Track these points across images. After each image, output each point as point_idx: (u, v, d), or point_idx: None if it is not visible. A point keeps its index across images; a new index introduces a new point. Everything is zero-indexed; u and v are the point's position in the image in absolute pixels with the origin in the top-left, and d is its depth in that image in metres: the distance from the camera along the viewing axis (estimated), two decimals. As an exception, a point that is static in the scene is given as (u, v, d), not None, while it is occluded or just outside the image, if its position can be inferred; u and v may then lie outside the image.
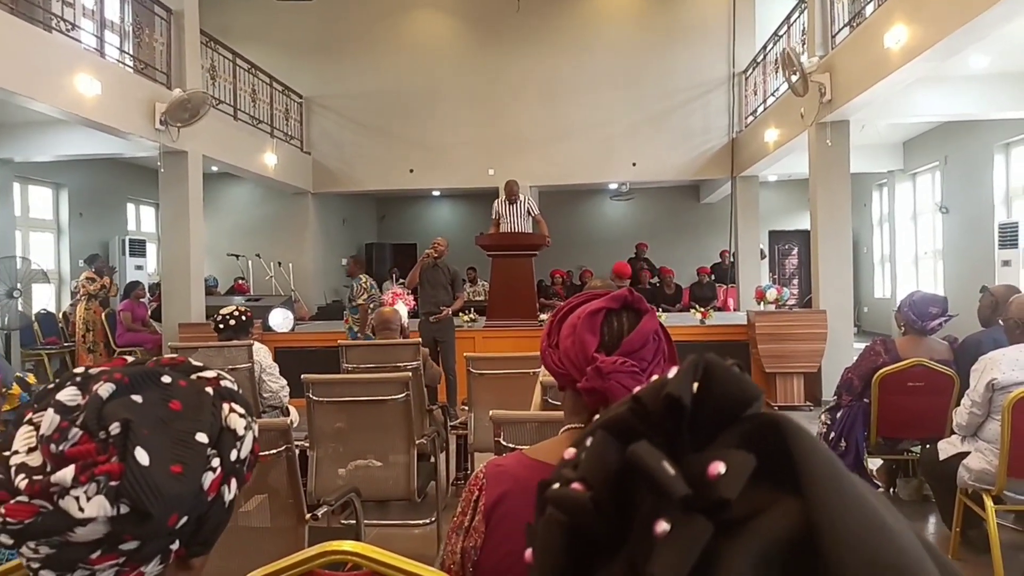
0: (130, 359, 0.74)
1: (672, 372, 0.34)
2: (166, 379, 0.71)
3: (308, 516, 2.42)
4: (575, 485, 0.32)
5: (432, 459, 3.96)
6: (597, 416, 1.08)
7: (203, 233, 8.64)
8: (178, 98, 7.47)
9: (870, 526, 0.28)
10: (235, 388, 0.77)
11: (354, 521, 2.85)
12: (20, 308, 8.58)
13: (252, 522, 2.48)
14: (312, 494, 3.23)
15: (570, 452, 0.34)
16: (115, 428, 0.65)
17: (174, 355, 0.78)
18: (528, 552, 0.34)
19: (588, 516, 0.31)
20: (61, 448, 0.64)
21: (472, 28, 12.15)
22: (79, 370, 0.71)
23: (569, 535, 0.32)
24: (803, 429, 0.31)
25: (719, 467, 0.29)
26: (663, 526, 0.29)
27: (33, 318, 9.17)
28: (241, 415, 0.74)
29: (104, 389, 0.67)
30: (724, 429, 0.32)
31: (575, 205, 14.27)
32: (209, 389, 0.73)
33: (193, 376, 0.74)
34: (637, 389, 0.34)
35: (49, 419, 0.65)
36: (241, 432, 0.73)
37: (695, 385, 0.33)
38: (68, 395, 0.67)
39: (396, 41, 12.12)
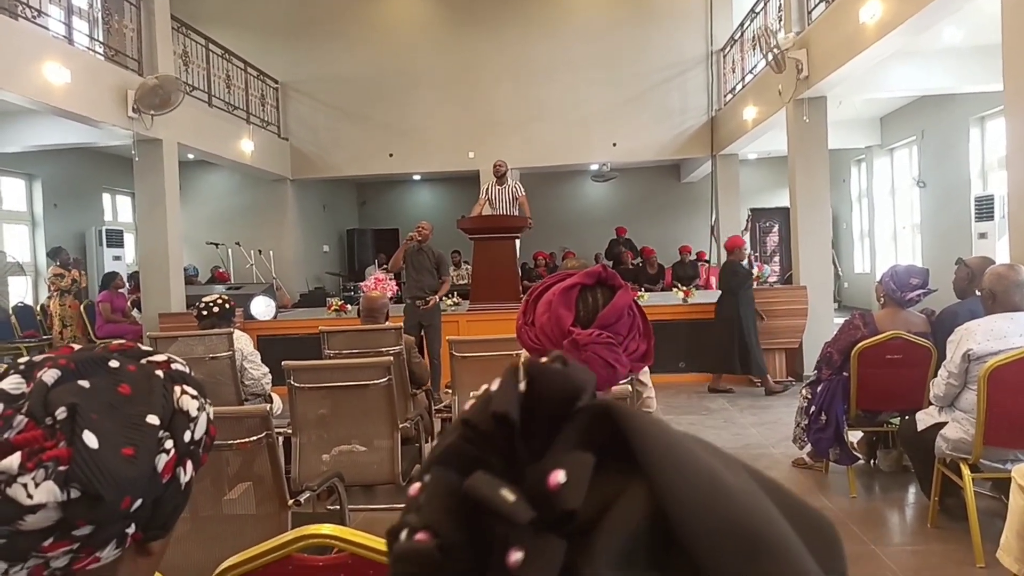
0: (76, 347, 0.72)
1: (495, 385, 0.33)
2: (114, 364, 0.70)
3: (291, 502, 2.42)
4: (419, 536, 0.30)
5: (417, 443, 3.97)
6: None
7: (181, 222, 8.54)
8: (149, 84, 7.35)
9: (713, 492, 0.28)
10: (186, 370, 0.75)
11: (338, 506, 2.85)
12: (-4, 302, 8.47)
13: (236, 509, 2.47)
14: (296, 480, 3.22)
15: (414, 489, 0.32)
16: (61, 413, 0.63)
17: (122, 341, 0.77)
18: None
19: (438, 567, 0.30)
20: (6, 436, 0.62)
21: (449, 9, 12.04)
22: (23, 359, 0.69)
23: None
24: (634, 413, 0.31)
25: (559, 476, 0.29)
26: (516, 555, 0.28)
27: (10, 311, 9.05)
28: (193, 396, 0.73)
29: (49, 376, 0.66)
30: (560, 428, 0.31)
31: (556, 187, 14.25)
32: (159, 372, 0.72)
33: (143, 360, 0.73)
34: (466, 408, 0.33)
35: None
36: (194, 413, 0.72)
37: (522, 389, 0.32)
38: (11, 384, 0.66)
39: (372, 24, 11.99)
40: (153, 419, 0.68)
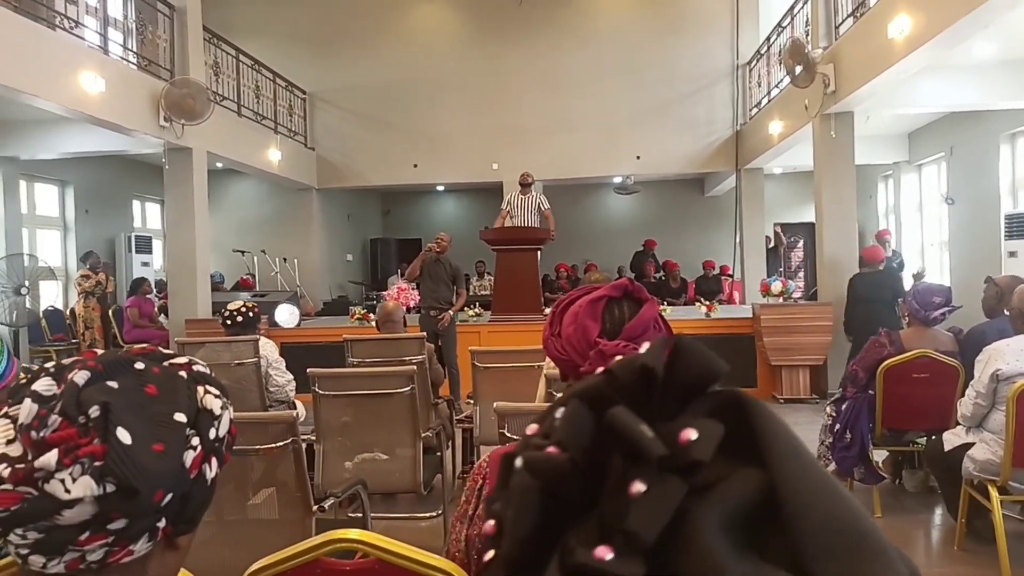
0: (99, 351, 0.75)
1: (645, 347, 0.36)
2: (139, 366, 0.73)
3: (315, 508, 2.44)
4: (551, 449, 0.33)
5: (438, 452, 3.98)
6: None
7: (208, 229, 8.66)
8: (178, 91, 7.48)
9: (827, 490, 0.31)
10: (208, 371, 0.78)
11: (361, 514, 2.86)
12: (28, 305, 8.63)
13: (260, 515, 2.50)
14: (319, 487, 3.24)
15: (532, 428, 0.35)
16: (95, 411, 0.66)
17: (143, 345, 0.80)
18: (489, 524, 0.35)
19: (566, 477, 0.33)
20: (42, 435, 0.65)
21: (475, 20, 12.13)
22: (51, 363, 0.72)
23: (543, 498, 0.34)
24: (765, 406, 0.33)
25: (691, 433, 0.31)
26: (639, 487, 0.31)
27: (41, 315, 9.22)
28: (216, 395, 0.76)
29: (80, 376, 0.68)
30: (691, 402, 0.34)
31: (579, 199, 14.25)
32: (182, 373, 0.75)
33: (165, 363, 0.76)
34: (613, 363, 0.36)
35: (27, 409, 0.66)
36: (218, 412, 0.75)
37: (666, 358, 0.35)
38: (44, 385, 0.68)
39: (399, 35, 12.11)
40: (180, 417, 0.71)
